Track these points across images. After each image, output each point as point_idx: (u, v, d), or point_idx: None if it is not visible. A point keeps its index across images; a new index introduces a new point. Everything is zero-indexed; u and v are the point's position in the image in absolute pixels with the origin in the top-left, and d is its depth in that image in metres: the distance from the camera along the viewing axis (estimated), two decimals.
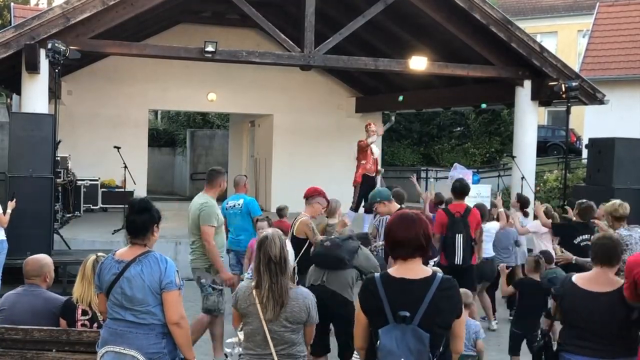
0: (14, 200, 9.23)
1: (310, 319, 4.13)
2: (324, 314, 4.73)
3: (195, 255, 6.94)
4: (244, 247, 8.67)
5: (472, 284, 8.09)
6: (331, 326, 6.18)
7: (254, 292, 4.04)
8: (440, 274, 3.47)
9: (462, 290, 6.20)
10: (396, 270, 3.43)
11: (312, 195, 7.36)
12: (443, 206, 9.28)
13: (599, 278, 4.42)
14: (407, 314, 3.23)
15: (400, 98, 14.84)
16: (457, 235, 8.11)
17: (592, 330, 4.30)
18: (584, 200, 8.30)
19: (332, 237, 6.36)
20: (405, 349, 3.20)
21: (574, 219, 8.32)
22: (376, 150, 13.20)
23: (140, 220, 4.18)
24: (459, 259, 8.09)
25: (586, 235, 7.77)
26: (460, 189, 8.42)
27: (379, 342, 3.24)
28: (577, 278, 4.52)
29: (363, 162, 13.08)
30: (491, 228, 9.25)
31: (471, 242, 8.24)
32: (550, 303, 5.09)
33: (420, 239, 3.39)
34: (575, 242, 7.84)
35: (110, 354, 4.11)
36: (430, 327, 3.25)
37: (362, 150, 13.09)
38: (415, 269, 3.40)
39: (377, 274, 3.50)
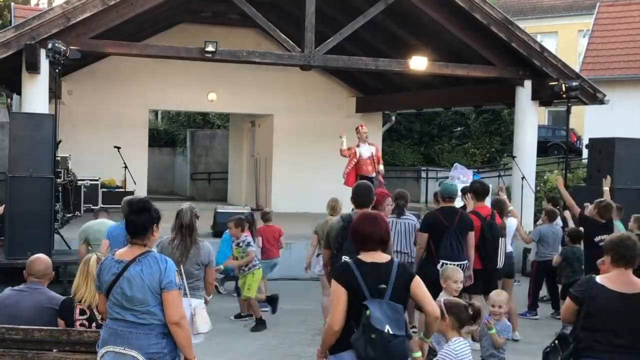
0: (3, 206, 9.25)
1: (210, 263, 6.08)
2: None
3: None
4: None
5: (496, 285, 8.01)
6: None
7: (171, 245, 5.90)
8: (396, 259, 4.25)
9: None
10: (364, 256, 4.11)
11: (383, 199, 7.33)
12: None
13: (621, 278, 4.34)
14: (385, 285, 3.94)
15: None
16: (500, 239, 7.84)
17: (622, 332, 4.22)
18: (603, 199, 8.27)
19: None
20: (390, 321, 3.86)
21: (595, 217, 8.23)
22: (365, 151, 12.81)
23: (139, 220, 4.18)
24: (501, 262, 7.87)
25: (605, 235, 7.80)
26: (483, 190, 8.17)
27: (369, 312, 3.84)
28: (602, 279, 4.39)
29: (349, 167, 12.77)
30: (511, 225, 9.14)
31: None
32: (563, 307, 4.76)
33: (383, 234, 4.13)
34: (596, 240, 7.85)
35: (110, 354, 4.10)
36: (399, 299, 3.97)
37: (352, 158, 12.75)
38: (379, 256, 4.10)
39: (349, 260, 4.22)
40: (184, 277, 5.62)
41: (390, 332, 3.81)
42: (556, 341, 4.60)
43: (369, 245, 4.09)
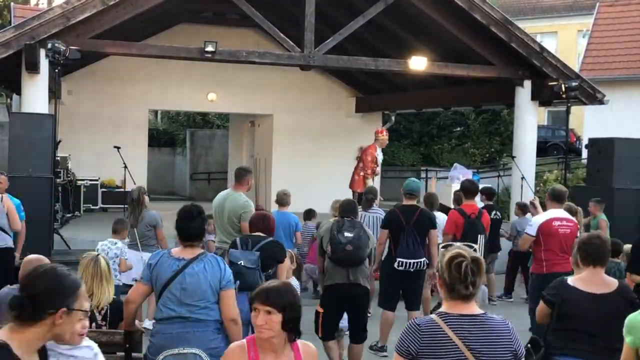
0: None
1: (157, 225, 7.98)
2: (342, 306, 6.43)
3: None
4: None
5: None
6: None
7: (127, 215, 8.06)
8: (271, 237, 5.97)
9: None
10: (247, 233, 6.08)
11: None
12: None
13: (593, 279, 4.33)
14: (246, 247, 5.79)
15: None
16: (479, 236, 8.02)
17: (594, 333, 4.23)
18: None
19: (350, 234, 6.42)
20: (246, 259, 5.59)
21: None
22: (380, 156, 13.02)
23: (196, 225, 4.45)
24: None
25: None
26: (472, 189, 8.34)
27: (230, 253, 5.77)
28: (574, 281, 4.38)
29: (366, 172, 12.96)
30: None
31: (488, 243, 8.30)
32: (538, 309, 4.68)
33: (266, 228, 5.99)
34: None
35: (169, 358, 4.15)
36: (264, 257, 5.66)
37: (371, 161, 12.93)
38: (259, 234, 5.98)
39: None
40: (137, 237, 7.89)
41: (243, 265, 5.53)
42: (528, 345, 4.59)
43: (254, 231, 6.00)
